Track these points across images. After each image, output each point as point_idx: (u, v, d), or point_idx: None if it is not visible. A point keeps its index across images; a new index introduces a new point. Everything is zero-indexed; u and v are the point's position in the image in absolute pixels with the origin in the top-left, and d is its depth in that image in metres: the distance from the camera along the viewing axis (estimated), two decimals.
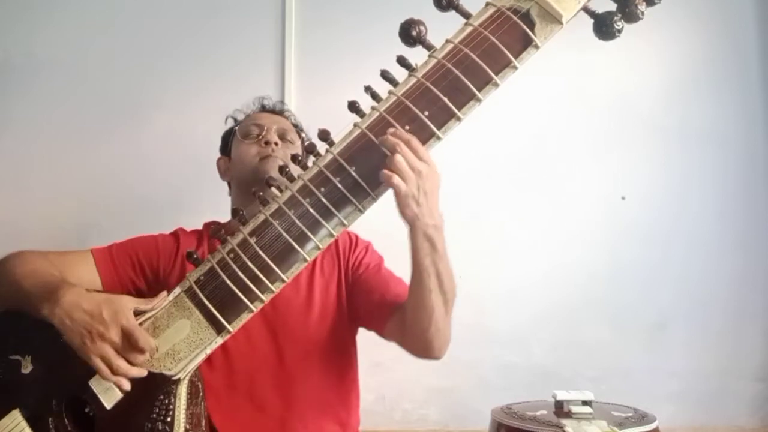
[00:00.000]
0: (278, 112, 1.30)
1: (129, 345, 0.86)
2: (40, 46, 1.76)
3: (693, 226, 1.70)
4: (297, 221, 0.86)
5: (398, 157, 0.81)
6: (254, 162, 1.17)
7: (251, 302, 0.86)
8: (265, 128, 1.21)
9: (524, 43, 0.81)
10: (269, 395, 1.10)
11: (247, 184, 1.15)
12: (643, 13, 0.77)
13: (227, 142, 1.28)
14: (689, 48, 1.77)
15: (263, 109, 1.30)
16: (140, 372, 0.86)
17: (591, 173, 1.73)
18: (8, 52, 1.75)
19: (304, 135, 1.31)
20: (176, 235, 1.21)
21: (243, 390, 1.09)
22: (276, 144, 1.18)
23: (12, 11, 1.76)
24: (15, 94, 1.73)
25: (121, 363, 0.85)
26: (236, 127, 1.26)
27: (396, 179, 0.81)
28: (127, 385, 0.86)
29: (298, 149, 1.24)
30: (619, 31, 0.78)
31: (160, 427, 0.87)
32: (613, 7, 0.80)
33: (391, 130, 0.83)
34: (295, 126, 1.30)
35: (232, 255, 0.87)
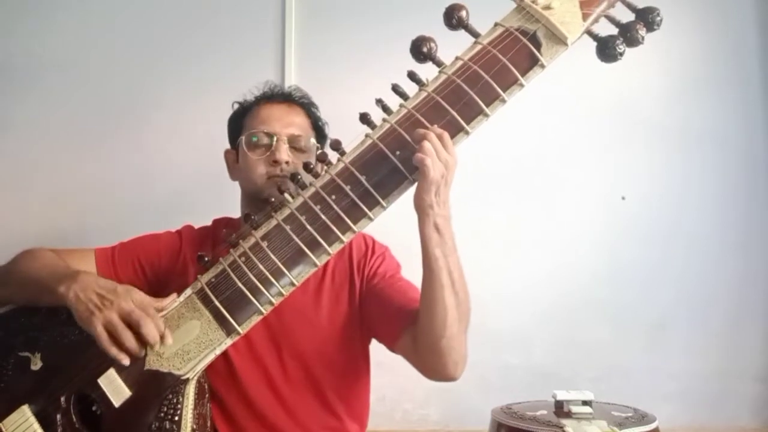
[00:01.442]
0: (290, 100, 1.24)
1: (135, 314, 0.91)
2: (40, 47, 1.82)
3: (693, 226, 1.79)
4: (308, 226, 0.93)
5: (427, 144, 0.89)
6: (260, 182, 1.16)
7: (261, 305, 0.93)
8: (275, 139, 1.16)
9: (531, 63, 0.90)
10: (271, 407, 1.13)
11: (254, 198, 1.17)
12: (643, 38, 0.87)
13: (235, 132, 1.25)
14: (689, 48, 1.84)
15: (273, 97, 1.24)
16: (138, 350, 0.91)
17: (591, 173, 1.80)
18: (9, 53, 1.82)
19: (317, 112, 1.26)
20: (181, 234, 1.25)
21: (245, 400, 1.12)
22: (287, 162, 1.15)
23: (13, 12, 1.81)
24: (16, 95, 1.79)
25: (127, 334, 0.90)
26: (243, 122, 1.22)
27: (429, 162, 0.88)
28: (126, 361, 0.91)
29: (311, 151, 1.21)
30: (621, 54, 0.87)
31: (167, 426, 0.92)
32: (615, 31, 0.90)
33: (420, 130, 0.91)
34: (311, 115, 1.25)
35: (243, 258, 0.95)
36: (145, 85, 1.80)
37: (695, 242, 1.79)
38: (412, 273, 1.16)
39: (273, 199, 0.98)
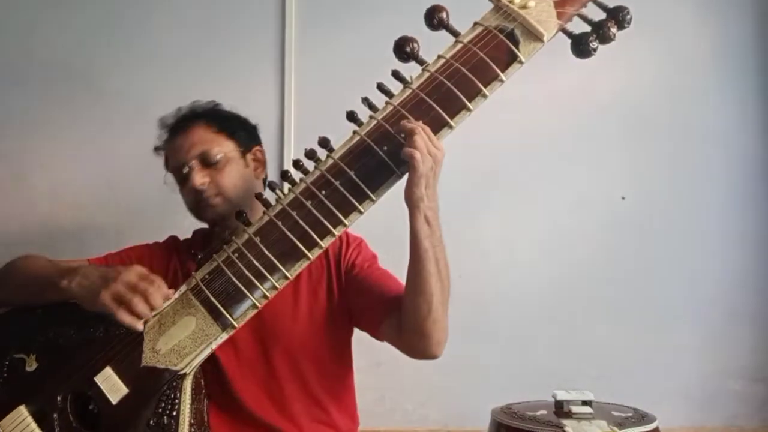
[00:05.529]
0: (184, 124, 1.29)
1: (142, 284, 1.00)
2: (40, 47, 1.90)
3: (693, 226, 1.85)
4: (300, 221, 1.01)
5: (419, 139, 0.96)
6: (194, 210, 1.27)
7: (256, 299, 1.01)
8: (186, 167, 1.24)
9: (510, 59, 0.99)
10: (262, 404, 1.21)
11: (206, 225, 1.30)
12: (614, 34, 0.96)
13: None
14: (690, 48, 1.91)
15: (171, 131, 1.30)
16: (149, 313, 1.00)
17: (591, 173, 1.86)
18: (8, 52, 1.89)
19: (222, 114, 1.31)
20: (168, 244, 1.36)
21: (236, 399, 1.20)
22: (203, 184, 1.22)
23: (12, 11, 1.89)
24: (16, 94, 1.87)
25: (134, 297, 0.98)
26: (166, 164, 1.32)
27: (418, 156, 0.96)
28: (140, 326, 0.99)
29: (229, 155, 1.26)
30: (594, 50, 0.96)
31: (165, 421, 0.98)
32: (588, 29, 0.99)
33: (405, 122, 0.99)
34: (212, 120, 1.29)
35: (237, 254, 1.02)
36: (144, 86, 1.87)
37: (695, 241, 1.85)
38: (390, 260, 1.26)
39: (264, 196, 1.07)
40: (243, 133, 1.32)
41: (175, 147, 1.28)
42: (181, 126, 1.30)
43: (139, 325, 1.01)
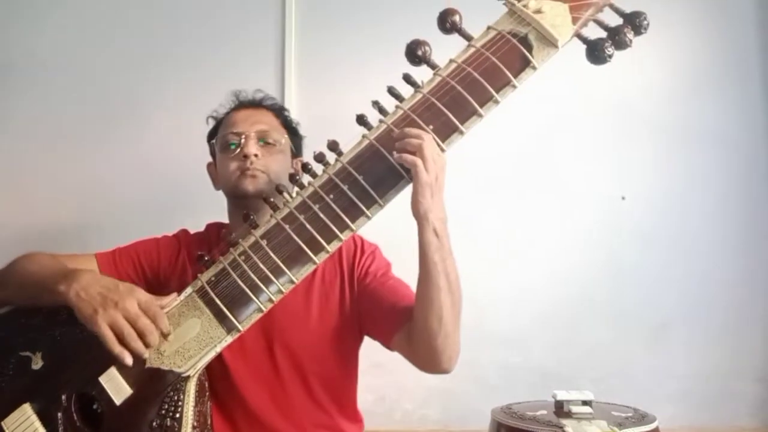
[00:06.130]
0: (258, 104, 1.34)
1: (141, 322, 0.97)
2: (40, 47, 1.90)
3: (694, 226, 1.85)
4: (308, 225, 1.00)
5: (426, 145, 0.95)
6: (234, 178, 1.25)
7: (262, 303, 1.00)
8: (243, 136, 1.26)
9: (523, 64, 0.98)
10: (266, 406, 1.20)
11: (233, 198, 1.29)
12: (631, 41, 0.94)
13: (213, 146, 1.35)
14: (691, 48, 1.92)
15: (241, 105, 1.34)
16: (144, 350, 0.96)
17: (591, 173, 1.87)
18: (8, 52, 1.89)
19: (287, 114, 1.37)
20: (178, 237, 1.34)
21: (240, 400, 1.20)
22: (256, 155, 1.24)
23: (12, 11, 1.90)
24: (15, 94, 1.88)
25: (131, 332, 0.96)
26: (217, 132, 1.34)
27: (421, 164, 0.94)
28: (130, 359, 0.96)
29: (284, 147, 1.30)
30: (610, 57, 0.94)
31: (168, 423, 0.98)
32: (603, 34, 0.98)
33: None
34: (280, 115, 1.35)
35: (243, 257, 1.02)
36: (144, 85, 1.87)
37: (696, 242, 1.85)
38: (402, 269, 1.25)
39: (272, 199, 1.06)
40: (299, 140, 1.38)
41: (239, 117, 1.30)
42: (254, 103, 1.35)
43: (128, 359, 0.98)
